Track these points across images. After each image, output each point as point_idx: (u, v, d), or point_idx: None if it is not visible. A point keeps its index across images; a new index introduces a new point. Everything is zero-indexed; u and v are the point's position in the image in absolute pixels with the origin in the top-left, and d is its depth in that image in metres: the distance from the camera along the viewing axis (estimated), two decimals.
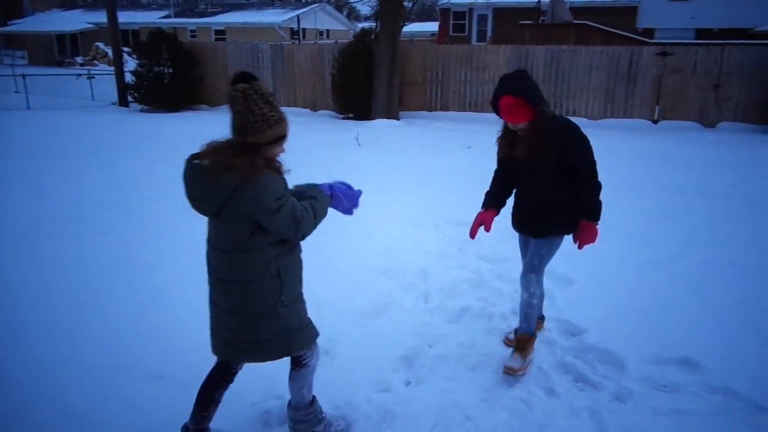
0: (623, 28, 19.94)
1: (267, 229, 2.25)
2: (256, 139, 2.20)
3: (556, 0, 18.06)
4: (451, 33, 30.93)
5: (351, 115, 14.31)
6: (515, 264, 4.73)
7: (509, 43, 15.12)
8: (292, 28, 32.12)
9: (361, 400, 2.98)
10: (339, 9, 39.65)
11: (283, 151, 2.34)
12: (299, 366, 2.57)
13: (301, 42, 24.01)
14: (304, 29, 32.32)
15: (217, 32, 33.41)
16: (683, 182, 7.68)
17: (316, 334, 2.59)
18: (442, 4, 30.13)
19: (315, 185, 2.56)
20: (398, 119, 13.49)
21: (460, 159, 9.08)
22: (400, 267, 4.67)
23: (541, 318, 3.65)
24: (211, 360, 3.15)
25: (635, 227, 5.62)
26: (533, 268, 3.30)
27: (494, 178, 3.44)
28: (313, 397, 2.70)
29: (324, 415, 2.74)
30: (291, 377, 2.61)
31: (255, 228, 2.25)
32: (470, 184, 6.84)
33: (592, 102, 13.58)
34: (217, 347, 2.51)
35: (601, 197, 3.14)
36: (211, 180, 2.18)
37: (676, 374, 3.16)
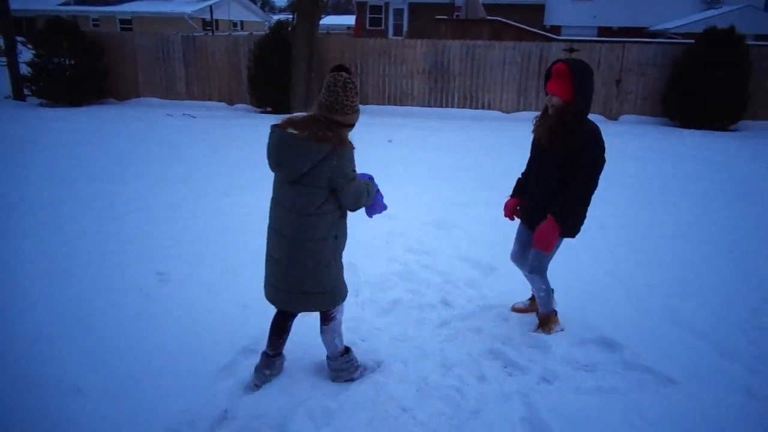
0: (532, 25, 20.77)
1: (338, 194, 2.67)
2: (342, 119, 2.62)
3: None
4: (367, 26, 31.01)
5: (269, 109, 14.03)
6: (441, 255, 4.85)
7: (425, 37, 15.35)
8: (204, 19, 31.03)
9: (297, 398, 2.94)
10: (253, 0, 38.71)
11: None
12: (328, 320, 2.97)
13: (215, 33, 23.21)
14: (216, 20, 31.28)
15: (123, 22, 31.71)
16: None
17: (347, 290, 3.02)
18: None
19: (370, 177, 3.01)
20: None
21: (382, 152, 9.13)
22: None
23: (554, 312, 3.60)
24: (138, 372, 3.05)
25: None
26: (534, 269, 3.42)
27: (527, 165, 3.61)
28: (346, 347, 3.09)
29: (359, 363, 3.12)
30: (323, 332, 3.00)
31: (329, 194, 2.66)
32: (393, 177, 6.92)
33: (506, 96, 14.06)
34: (273, 297, 2.90)
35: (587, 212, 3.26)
36: (301, 147, 2.55)
37: (596, 354, 3.34)
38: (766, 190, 7.26)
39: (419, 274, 4.45)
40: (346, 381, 3.10)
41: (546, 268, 3.45)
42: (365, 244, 5.02)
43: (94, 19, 31.73)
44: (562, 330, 3.56)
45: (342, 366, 3.07)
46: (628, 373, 3.16)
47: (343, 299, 2.97)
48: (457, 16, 20.28)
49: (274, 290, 2.88)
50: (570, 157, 3.12)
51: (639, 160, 8.99)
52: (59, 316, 3.70)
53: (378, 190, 3.01)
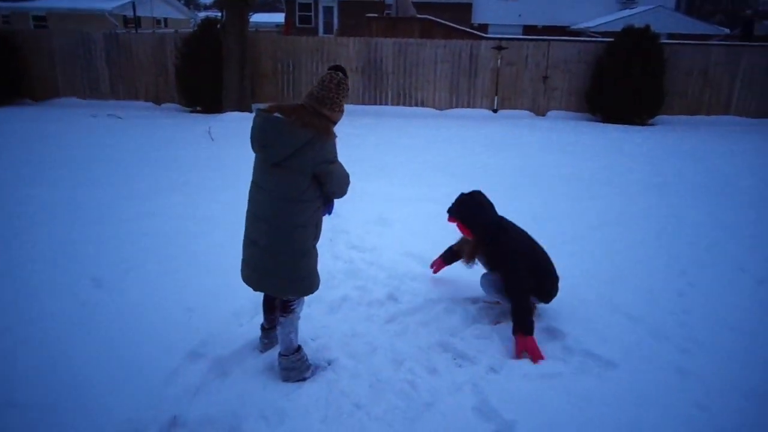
0: (461, 24, 21.20)
1: (323, 180, 2.76)
2: (329, 114, 2.75)
3: None
4: (297, 24, 30.72)
5: (199, 108, 13.64)
6: (385, 251, 4.89)
7: (356, 35, 15.36)
8: (125, 16, 29.73)
9: (248, 400, 2.89)
10: None
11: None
12: (287, 312, 2.99)
13: (139, 31, 22.32)
14: (139, 17, 30.06)
15: (37, 18, 29.84)
16: (524, 166, 8.38)
17: (319, 282, 3.06)
18: None
19: None
20: (251, 111, 13.11)
21: None
22: None
23: None
24: (77, 381, 2.94)
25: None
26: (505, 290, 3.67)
27: (450, 248, 4.21)
28: (299, 345, 3.09)
29: (310, 362, 3.13)
30: (279, 324, 3.02)
31: (312, 180, 2.74)
32: None
33: (438, 93, 14.28)
34: (249, 279, 3.00)
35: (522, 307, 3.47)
36: (290, 131, 2.65)
37: (540, 342, 3.45)
38: (683, 180, 7.73)
39: (365, 271, 4.47)
40: (297, 381, 3.07)
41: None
42: None
43: (3, 16, 29.73)
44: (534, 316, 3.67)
45: (293, 365, 3.06)
46: (571, 358, 3.30)
47: (316, 288, 3.02)
48: (388, 14, 20.42)
49: (249, 271, 2.97)
50: (493, 266, 3.73)
51: (566, 154, 9.37)
52: None
53: None
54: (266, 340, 3.35)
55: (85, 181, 7.00)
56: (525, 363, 3.27)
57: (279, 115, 2.69)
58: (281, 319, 3.02)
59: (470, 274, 4.04)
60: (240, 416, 2.80)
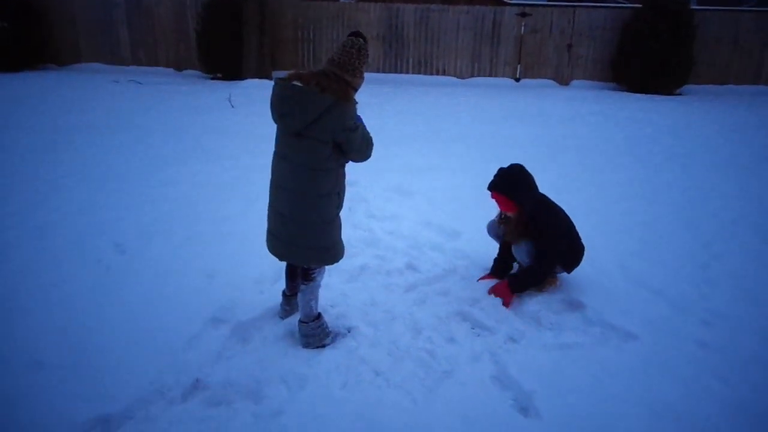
0: None
1: (344, 147, 2.74)
2: (351, 80, 2.73)
3: None
4: None
5: (219, 75, 13.62)
6: (405, 221, 4.88)
7: (379, 1, 15.12)
8: None
9: (270, 366, 2.94)
10: None
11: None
12: (308, 280, 3.02)
13: None
14: None
15: None
16: (545, 136, 8.26)
17: (344, 252, 3.09)
18: None
19: None
20: (271, 79, 13.04)
21: None
22: None
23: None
24: (101, 344, 2.99)
25: None
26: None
27: (499, 247, 3.91)
28: (319, 313, 3.12)
29: (330, 329, 3.15)
30: (301, 291, 3.06)
31: (334, 148, 2.72)
32: None
33: (460, 61, 14.06)
34: (274, 248, 3.01)
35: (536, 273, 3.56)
36: (309, 99, 2.62)
37: (560, 313, 3.46)
38: (709, 152, 7.57)
39: (384, 240, 4.47)
40: (317, 347, 3.11)
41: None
42: None
43: None
44: (555, 287, 3.71)
45: (313, 331, 3.09)
46: (590, 329, 3.29)
47: (341, 258, 3.05)
48: None
49: (275, 241, 2.99)
50: (532, 238, 3.58)
51: (590, 125, 9.20)
52: (13, 289, 3.56)
53: None
54: (287, 307, 3.38)
55: (106, 147, 7.07)
56: (545, 333, 3.27)
57: (298, 83, 2.67)
58: (302, 287, 3.05)
59: (489, 246, 4.02)
60: (261, 381, 2.84)
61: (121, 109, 9.56)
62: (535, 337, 3.22)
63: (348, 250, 4.22)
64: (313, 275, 3.04)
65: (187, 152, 6.92)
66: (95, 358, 2.95)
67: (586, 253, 3.75)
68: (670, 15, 12.43)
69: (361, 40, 2.79)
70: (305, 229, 2.85)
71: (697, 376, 2.90)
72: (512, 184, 3.52)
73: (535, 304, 3.54)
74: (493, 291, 3.56)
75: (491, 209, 5.06)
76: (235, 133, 8.08)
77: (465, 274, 3.94)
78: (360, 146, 2.81)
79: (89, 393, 2.71)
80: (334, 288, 3.75)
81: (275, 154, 2.91)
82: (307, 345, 3.11)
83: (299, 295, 3.09)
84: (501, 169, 3.63)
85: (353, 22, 13.93)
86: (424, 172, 6.30)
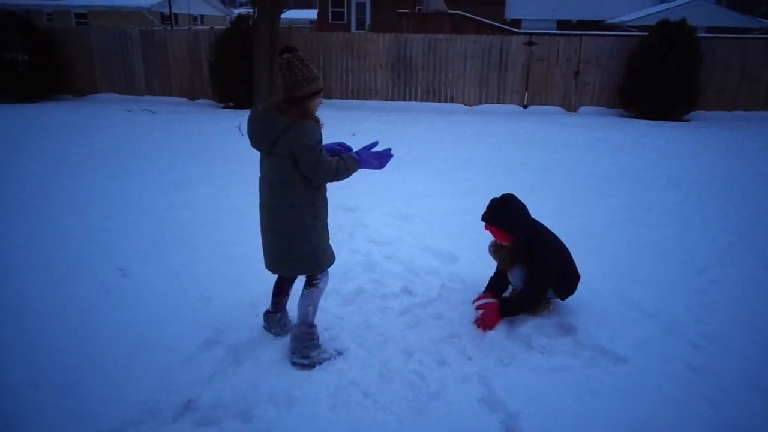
0: (493, 19, 21.00)
1: (299, 163, 2.87)
2: (300, 93, 2.85)
3: None
4: (330, 21, 30.90)
5: (231, 104, 13.90)
6: (403, 245, 4.93)
7: (388, 31, 15.40)
8: (162, 13, 30.40)
9: (260, 387, 2.98)
10: None
11: (321, 103, 3.01)
12: (311, 285, 3.17)
13: (174, 28, 22.81)
14: (176, 14, 30.69)
15: (78, 16, 30.82)
16: (550, 162, 8.31)
17: (334, 259, 3.23)
18: None
19: (347, 148, 3.23)
20: None
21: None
22: None
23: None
24: (98, 365, 3.05)
25: None
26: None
27: (497, 267, 3.94)
28: (314, 325, 3.23)
29: (321, 344, 3.24)
30: (302, 295, 3.19)
31: (295, 163, 2.88)
32: (360, 171, 6.93)
33: (468, 89, 14.22)
34: (267, 264, 3.20)
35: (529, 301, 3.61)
36: (266, 121, 2.87)
37: (551, 336, 3.46)
38: (714, 177, 7.55)
39: (381, 265, 4.52)
40: (302, 364, 3.14)
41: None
42: None
43: (47, 13, 30.77)
44: (549, 311, 3.73)
45: (302, 336, 3.17)
46: (581, 353, 3.30)
47: (327, 265, 3.18)
48: (419, 9, 20.37)
49: (266, 257, 3.18)
50: (531, 274, 3.59)
51: (594, 151, 9.24)
52: (14, 310, 3.66)
53: (371, 150, 3.20)
54: (266, 325, 3.45)
55: (117, 173, 7.24)
56: (535, 356, 3.28)
57: (260, 109, 2.95)
58: (304, 291, 3.19)
59: (486, 270, 4.05)
60: (251, 401, 2.89)
61: (132, 137, 9.79)
62: (525, 360, 3.23)
63: (345, 274, 4.32)
64: (315, 282, 3.17)
65: (194, 178, 7.06)
66: (91, 378, 3.02)
67: (581, 275, 3.76)
68: (677, 43, 12.52)
69: (285, 56, 2.85)
70: (284, 240, 3.03)
71: (686, 399, 2.89)
72: (504, 216, 3.57)
73: (527, 327, 3.55)
74: (481, 309, 3.60)
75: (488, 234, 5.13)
76: (242, 159, 8.22)
77: (459, 298, 3.96)
78: (310, 167, 2.87)
79: (83, 412, 2.77)
80: (329, 311, 3.79)
81: (260, 176, 3.11)
82: (293, 350, 3.19)
83: (300, 299, 3.20)
84: (493, 200, 3.67)
85: (362, 52, 14.19)
86: (425, 197, 6.36)
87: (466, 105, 14.25)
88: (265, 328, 3.48)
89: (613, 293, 3.99)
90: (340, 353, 3.29)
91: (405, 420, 2.77)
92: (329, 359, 3.20)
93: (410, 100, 14.42)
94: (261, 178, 3.09)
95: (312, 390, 2.99)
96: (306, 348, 3.17)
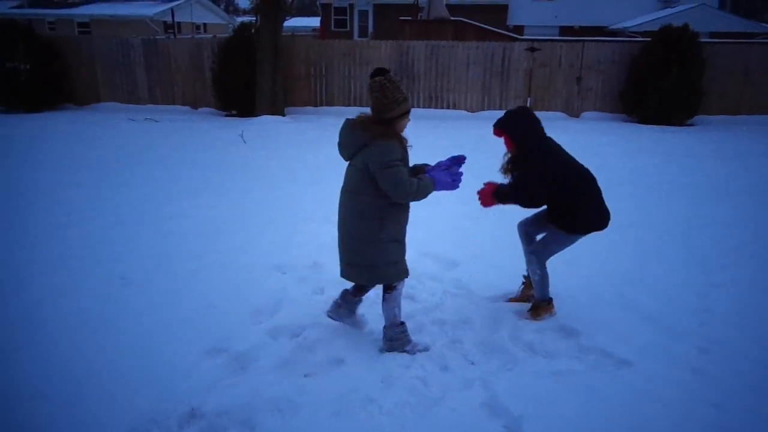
0: (496, 25, 21.04)
1: (378, 180, 2.99)
2: (390, 115, 3.02)
3: None
4: (333, 28, 31.03)
5: (234, 112, 13.96)
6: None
7: (390, 38, 15.45)
8: (165, 22, 30.56)
9: (263, 394, 2.98)
10: (216, 2, 38.34)
11: (409, 121, 3.15)
12: (390, 290, 3.28)
13: (177, 36, 22.95)
14: (179, 23, 30.86)
15: (80, 25, 30.95)
16: None
17: (407, 274, 3.31)
18: None
19: (427, 170, 3.31)
20: (284, 115, 13.36)
21: None
22: (294, 261, 4.68)
23: (549, 300, 3.78)
24: (102, 374, 3.04)
25: (512, 209, 6.03)
26: (535, 251, 3.73)
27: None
28: (402, 321, 3.35)
29: (411, 338, 3.38)
30: (384, 300, 3.31)
31: (371, 177, 3.00)
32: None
33: (470, 95, 14.25)
34: (341, 268, 3.32)
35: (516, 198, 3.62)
36: (355, 133, 3.05)
37: (554, 341, 3.47)
38: (716, 181, 7.55)
39: None
40: (402, 352, 3.32)
41: (546, 257, 3.70)
42: (330, 245, 5.06)
43: (50, 22, 30.92)
44: (551, 315, 3.71)
45: (397, 336, 3.33)
46: (585, 356, 3.30)
47: (388, 281, 3.24)
48: (421, 17, 20.43)
49: (340, 261, 3.32)
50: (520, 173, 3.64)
51: (600, 156, 9.22)
52: (20, 320, 3.68)
53: (449, 172, 3.29)
54: (339, 302, 3.52)
55: (120, 182, 7.27)
56: (538, 360, 3.28)
57: (351, 120, 3.11)
58: (386, 295, 3.30)
59: (487, 275, 4.06)
60: (254, 409, 2.89)
61: (134, 146, 9.84)
62: (529, 364, 3.23)
63: (346, 282, 4.29)
64: (394, 285, 3.28)
65: (197, 186, 7.09)
66: (95, 389, 3.02)
67: (583, 279, 3.77)
68: (679, 48, 12.53)
69: (377, 78, 3.01)
70: (349, 246, 3.20)
71: (689, 402, 2.88)
72: (512, 122, 3.58)
73: (530, 332, 3.56)
74: (479, 192, 3.66)
75: (491, 238, 5.13)
76: (245, 168, 8.26)
77: (462, 303, 3.97)
78: (392, 184, 2.98)
79: (87, 422, 2.78)
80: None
81: None
82: (390, 349, 3.34)
83: (383, 304, 3.33)
84: (508, 110, 3.72)
85: (364, 59, 14.24)
86: (427, 203, 6.28)
87: (468, 111, 14.28)
88: (336, 304, 3.52)
89: (617, 297, 3.99)
90: (427, 349, 3.40)
91: (408, 425, 2.76)
92: (424, 350, 3.37)
93: (413, 106, 14.40)
94: (342, 187, 3.22)
95: (315, 396, 2.98)
96: (401, 345, 3.34)
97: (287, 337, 3.56)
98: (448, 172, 3.26)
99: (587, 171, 3.65)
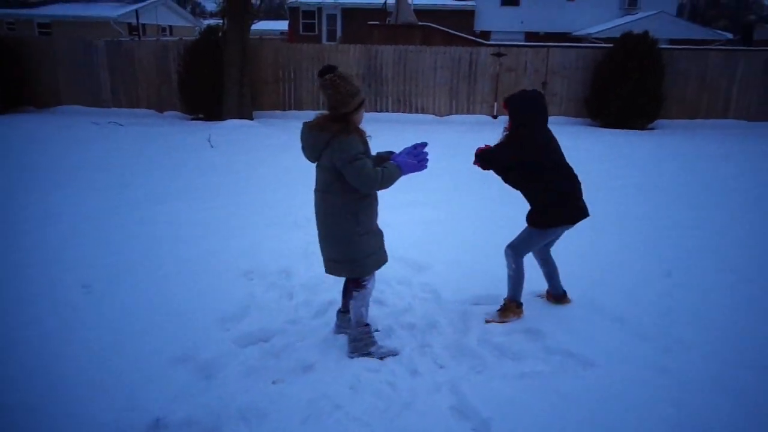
0: (463, 31, 21.25)
1: (344, 175, 3.03)
2: (347, 108, 3.06)
3: (401, 2, 18.79)
4: (301, 32, 30.90)
5: (201, 116, 13.77)
6: None
7: (358, 42, 15.45)
8: (129, 24, 29.98)
9: (230, 402, 2.94)
10: (182, 4, 37.80)
11: (363, 114, 3.17)
12: (359, 287, 3.32)
13: (142, 39, 22.55)
14: (144, 25, 30.30)
15: (41, 26, 30.15)
16: None
17: (383, 262, 3.41)
18: (291, 3, 30.02)
19: (392, 157, 3.27)
20: (252, 119, 13.24)
21: None
22: (262, 267, 4.64)
23: (519, 303, 3.84)
24: (63, 384, 2.98)
25: (482, 214, 6.10)
26: (510, 245, 3.83)
27: None
28: (367, 323, 3.40)
29: (376, 340, 3.42)
30: (353, 298, 3.35)
31: (339, 175, 3.06)
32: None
33: (438, 99, 14.35)
34: (324, 263, 3.37)
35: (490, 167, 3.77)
36: (314, 135, 3.10)
37: (521, 343, 3.51)
38: (677, 183, 7.76)
39: None
40: (363, 355, 3.34)
41: (521, 252, 3.77)
42: (299, 250, 5.04)
43: (8, 23, 30.02)
44: (519, 318, 3.76)
45: (360, 336, 3.37)
46: (551, 358, 3.34)
47: (371, 271, 3.33)
48: (389, 21, 20.49)
49: (323, 259, 3.38)
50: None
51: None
52: None
53: (413, 154, 3.24)
54: (339, 323, 3.63)
55: (83, 187, 7.10)
56: (506, 363, 3.31)
57: (309, 123, 3.17)
58: (354, 293, 3.35)
59: (456, 278, 4.08)
60: (221, 418, 2.84)
61: (98, 150, 9.62)
62: (497, 367, 3.26)
63: (318, 286, 4.31)
64: (363, 283, 3.33)
65: (162, 192, 6.97)
66: (56, 398, 2.95)
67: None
68: (640, 54, 12.86)
69: (327, 76, 3.05)
70: (328, 244, 3.27)
71: (654, 402, 2.94)
72: (517, 101, 3.65)
73: (499, 335, 3.60)
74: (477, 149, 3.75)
75: (460, 242, 5.17)
76: (212, 172, 8.16)
77: (431, 307, 3.98)
78: (358, 177, 3.03)
79: None
80: (301, 323, 3.79)
81: None
82: (354, 350, 3.37)
83: (351, 301, 3.39)
84: (524, 89, 3.80)
85: (333, 63, 14.11)
86: (396, 207, 6.34)
87: (436, 115, 14.38)
88: (337, 326, 3.63)
89: (581, 299, 4.05)
90: (394, 353, 3.41)
91: (377, 431, 2.76)
92: (389, 355, 3.38)
93: (381, 110, 14.48)
94: (314, 186, 3.27)
95: (283, 404, 2.96)
96: (365, 346, 3.37)
97: (255, 344, 3.53)
98: (413, 154, 3.25)
99: (569, 169, 3.78)
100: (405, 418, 2.84)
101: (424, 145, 3.32)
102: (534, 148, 3.65)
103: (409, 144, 3.34)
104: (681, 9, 31.60)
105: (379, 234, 3.41)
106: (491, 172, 3.79)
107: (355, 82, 3.10)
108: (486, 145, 3.77)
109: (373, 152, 3.29)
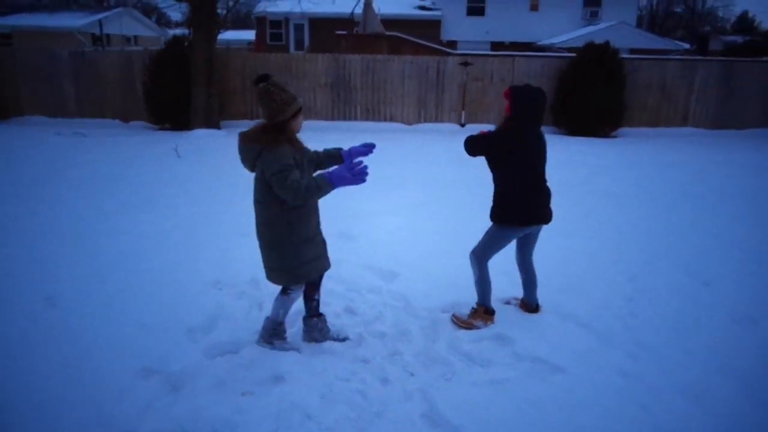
0: (430, 40, 21.48)
1: (272, 186, 3.05)
2: (283, 117, 3.07)
3: (368, 12, 18.89)
4: (268, 42, 30.78)
5: (167, 126, 13.58)
6: (345, 265, 4.92)
7: (326, 51, 15.47)
8: (93, 34, 29.44)
9: (200, 414, 2.90)
10: (147, 14, 37.32)
11: (302, 121, 3.21)
12: (285, 293, 3.41)
13: (106, 49, 22.15)
14: (108, 35, 29.81)
15: (2, 36, 29.40)
16: (486, 178, 8.51)
17: (324, 269, 3.51)
18: (258, 12, 29.90)
19: (328, 171, 3.12)
20: (219, 128, 13.11)
21: None
22: (231, 278, 4.59)
23: (489, 309, 3.88)
24: (26, 401, 2.92)
25: (450, 220, 6.15)
26: (473, 250, 3.88)
27: None
28: (282, 323, 3.53)
29: (278, 341, 3.54)
30: (276, 299, 3.47)
31: (269, 186, 3.09)
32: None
33: (406, 108, 14.45)
34: (265, 271, 3.40)
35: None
36: (246, 148, 3.16)
37: (491, 349, 3.55)
38: (640, 190, 7.95)
39: (323, 285, 4.47)
40: (264, 344, 3.53)
41: (484, 257, 3.80)
42: None
43: None
44: (487, 325, 3.78)
45: (270, 326, 3.52)
46: (519, 364, 3.39)
47: (304, 280, 3.40)
48: (356, 31, 20.57)
49: (264, 267, 3.41)
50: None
51: None
52: None
53: (350, 167, 3.05)
54: (306, 329, 3.68)
55: (46, 199, 6.93)
56: (476, 369, 3.35)
57: (242, 133, 3.20)
58: (279, 296, 3.45)
59: (426, 286, 4.11)
60: (191, 431, 2.81)
61: (62, 161, 9.40)
62: (467, 374, 3.29)
63: None
64: (289, 291, 3.41)
65: (129, 203, 6.85)
66: (21, 416, 2.87)
67: (517, 289, 3.85)
68: (603, 63, 13.19)
69: (261, 85, 3.07)
70: (265, 252, 3.33)
71: (620, 405, 3.01)
72: (518, 93, 3.67)
73: (468, 342, 3.63)
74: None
75: (430, 250, 5.21)
76: (180, 182, 8.05)
77: (401, 315, 4.00)
78: (284, 189, 3.01)
79: None
80: None
81: None
82: (260, 337, 3.56)
83: (274, 301, 3.49)
84: (529, 84, 3.84)
85: (301, 72, 14.20)
86: (366, 216, 6.39)
87: (405, 124, 14.47)
88: (304, 333, 3.67)
89: (549, 305, 4.12)
90: (297, 351, 3.53)
91: None
92: (288, 351, 3.49)
93: (350, 119, 14.52)
94: (253, 197, 3.31)
95: (253, 415, 2.93)
96: (271, 337, 3.52)
97: (224, 355, 3.49)
98: (348, 167, 3.05)
99: (541, 177, 3.81)
100: (376, 427, 2.84)
101: (373, 146, 3.37)
102: (514, 142, 3.69)
103: (377, 155, 3.37)
104: (640, 20, 32.48)
105: (319, 243, 3.42)
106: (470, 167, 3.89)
107: (289, 90, 3.10)
108: (482, 132, 3.86)
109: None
